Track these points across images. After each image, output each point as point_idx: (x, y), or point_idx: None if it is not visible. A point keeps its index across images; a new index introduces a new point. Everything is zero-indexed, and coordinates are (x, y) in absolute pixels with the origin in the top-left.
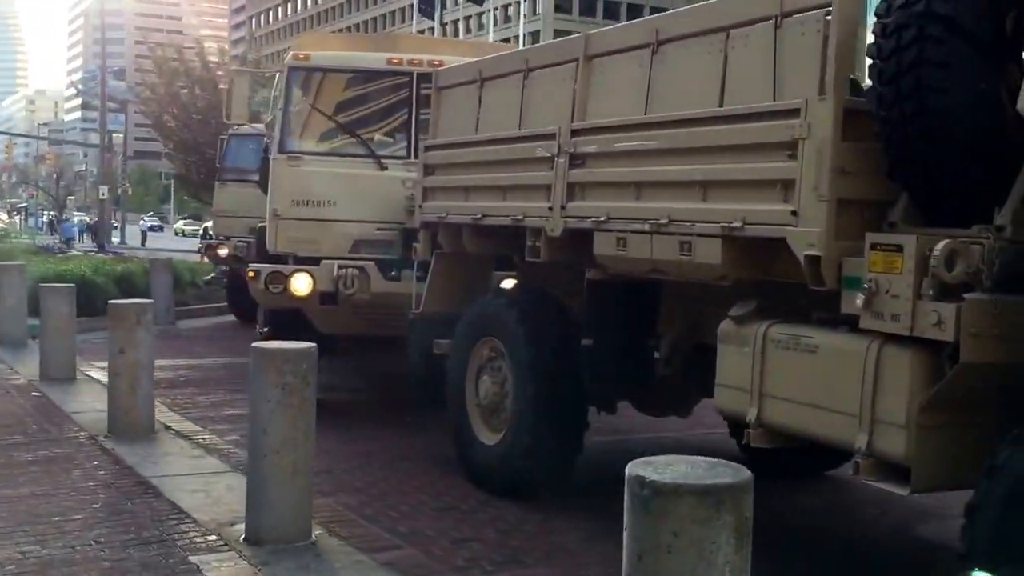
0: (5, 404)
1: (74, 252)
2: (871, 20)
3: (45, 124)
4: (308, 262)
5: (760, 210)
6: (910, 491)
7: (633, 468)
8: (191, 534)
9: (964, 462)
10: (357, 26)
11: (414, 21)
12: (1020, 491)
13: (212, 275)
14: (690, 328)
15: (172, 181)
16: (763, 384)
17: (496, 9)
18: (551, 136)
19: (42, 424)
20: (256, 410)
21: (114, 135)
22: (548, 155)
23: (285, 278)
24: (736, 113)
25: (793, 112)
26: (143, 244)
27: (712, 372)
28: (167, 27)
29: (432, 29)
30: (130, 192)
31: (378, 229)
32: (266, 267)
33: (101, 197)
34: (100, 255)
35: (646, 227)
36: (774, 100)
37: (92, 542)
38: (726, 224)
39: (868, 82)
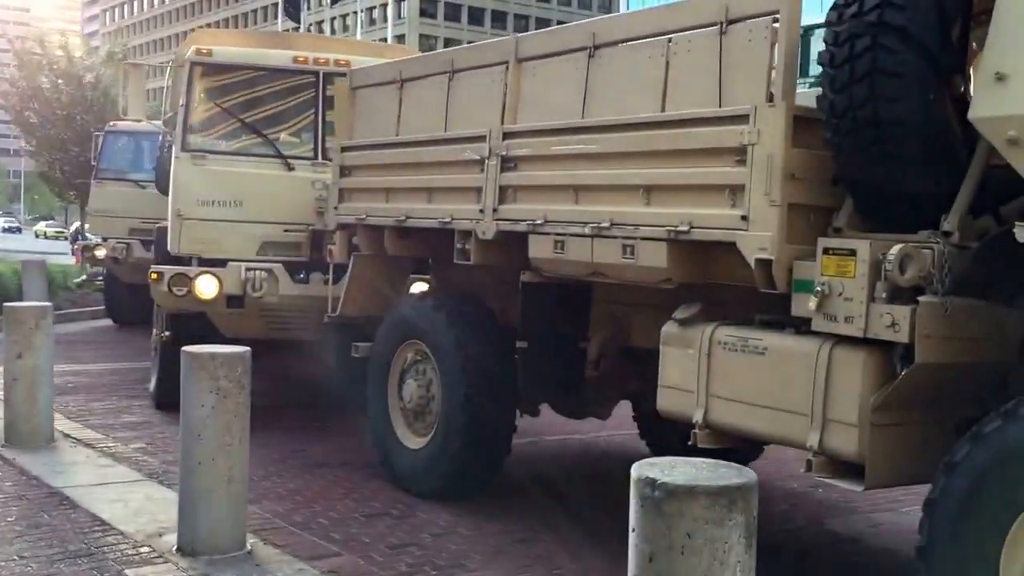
0: None
1: None
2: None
3: None
4: (213, 264)
5: (708, 214)
6: (865, 487)
7: (641, 470)
8: (120, 546)
9: (915, 458)
10: (216, 23)
11: (279, 21)
12: (978, 487)
13: (84, 277)
14: (617, 330)
15: (21, 180)
16: (710, 385)
17: (361, 12)
18: (481, 138)
19: None
20: (189, 416)
21: None
22: (478, 157)
23: (190, 280)
24: (681, 118)
25: (742, 118)
26: None
27: (636, 375)
28: (15, 19)
29: (297, 29)
30: None
31: (286, 231)
32: (170, 269)
33: None
34: None
35: (586, 230)
36: (720, 106)
37: (16, 556)
38: (671, 228)
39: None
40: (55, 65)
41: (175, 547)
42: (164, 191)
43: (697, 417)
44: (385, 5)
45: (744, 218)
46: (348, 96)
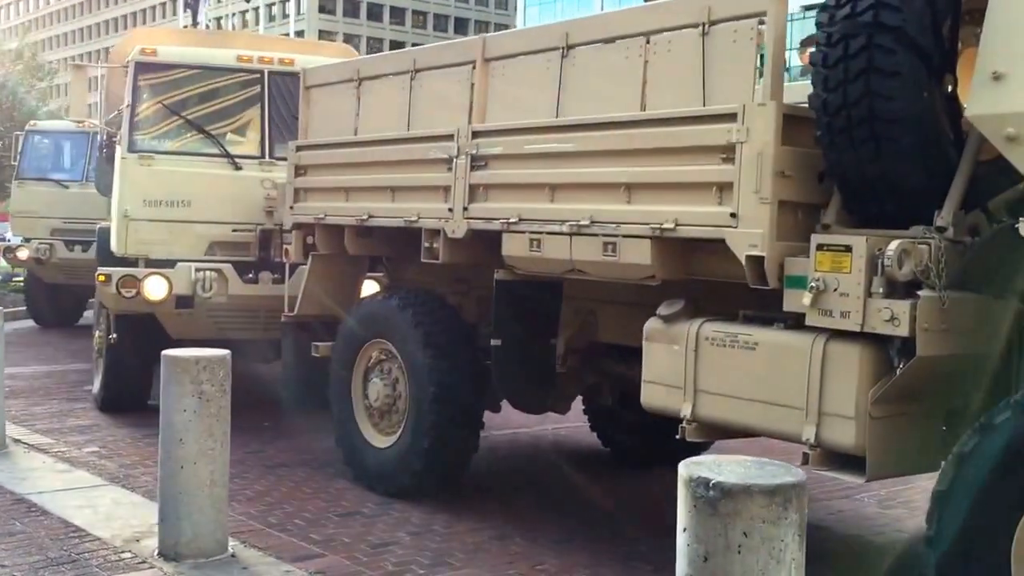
0: None
1: None
2: None
3: None
4: (160, 265)
5: (694, 211)
6: (867, 479)
7: (691, 470)
8: (101, 552)
9: (912, 448)
10: (115, 20)
11: (179, 17)
12: (987, 477)
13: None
14: (585, 326)
15: None
16: (697, 380)
17: (259, 8)
18: (449, 137)
19: None
20: (169, 420)
21: None
22: (445, 156)
23: (138, 282)
24: (666, 116)
25: (729, 116)
26: None
27: (597, 370)
28: None
29: (196, 25)
30: None
31: (234, 230)
32: (118, 270)
33: None
34: None
35: (564, 228)
36: (704, 105)
37: None
38: (656, 225)
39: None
40: None
41: (156, 551)
42: (104, 192)
43: (685, 412)
44: (285, 1)
45: (733, 215)
46: (303, 95)
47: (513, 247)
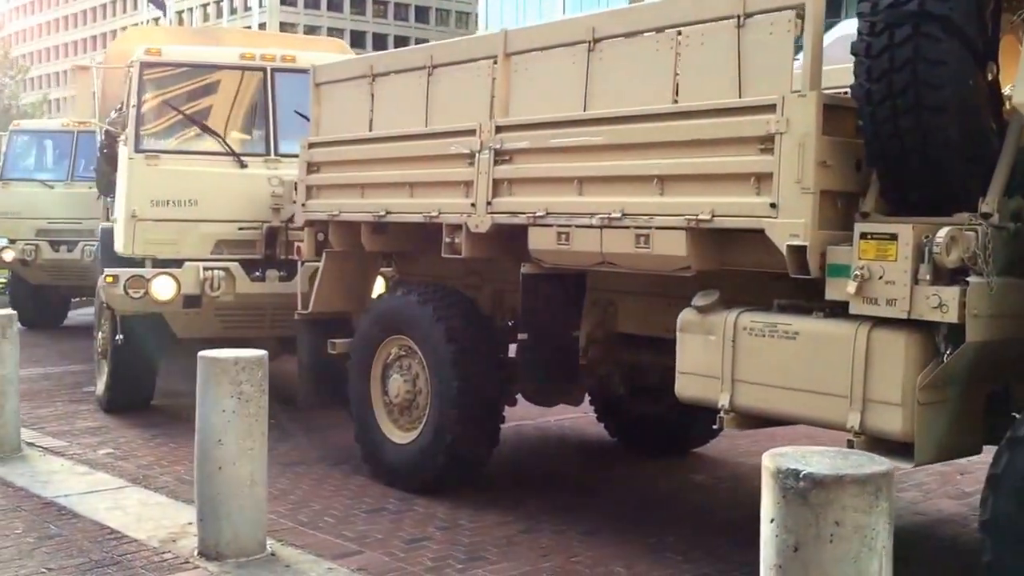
0: None
1: None
2: None
3: None
4: (166, 265)
5: (731, 202)
6: (915, 464)
7: (778, 462)
8: (142, 553)
9: (957, 433)
10: (78, 15)
11: (144, 12)
12: None
13: None
14: (605, 318)
15: None
16: (736, 370)
17: (222, 2)
18: (471, 132)
19: None
20: (208, 421)
21: None
22: (468, 151)
23: (146, 282)
24: (701, 109)
25: (768, 108)
26: None
27: (619, 361)
28: None
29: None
30: None
31: (240, 228)
32: (126, 271)
33: None
34: None
35: (594, 221)
36: (740, 96)
37: (43, 569)
38: (692, 216)
39: None
40: None
41: (196, 551)
42: (105, 192)
43: (723, 402)
44: None
45: (773, 206)
46: (313, 92)
47: (540, 241)
